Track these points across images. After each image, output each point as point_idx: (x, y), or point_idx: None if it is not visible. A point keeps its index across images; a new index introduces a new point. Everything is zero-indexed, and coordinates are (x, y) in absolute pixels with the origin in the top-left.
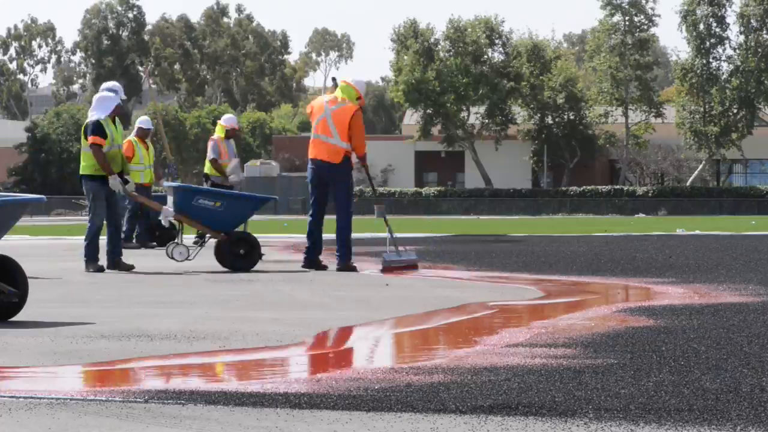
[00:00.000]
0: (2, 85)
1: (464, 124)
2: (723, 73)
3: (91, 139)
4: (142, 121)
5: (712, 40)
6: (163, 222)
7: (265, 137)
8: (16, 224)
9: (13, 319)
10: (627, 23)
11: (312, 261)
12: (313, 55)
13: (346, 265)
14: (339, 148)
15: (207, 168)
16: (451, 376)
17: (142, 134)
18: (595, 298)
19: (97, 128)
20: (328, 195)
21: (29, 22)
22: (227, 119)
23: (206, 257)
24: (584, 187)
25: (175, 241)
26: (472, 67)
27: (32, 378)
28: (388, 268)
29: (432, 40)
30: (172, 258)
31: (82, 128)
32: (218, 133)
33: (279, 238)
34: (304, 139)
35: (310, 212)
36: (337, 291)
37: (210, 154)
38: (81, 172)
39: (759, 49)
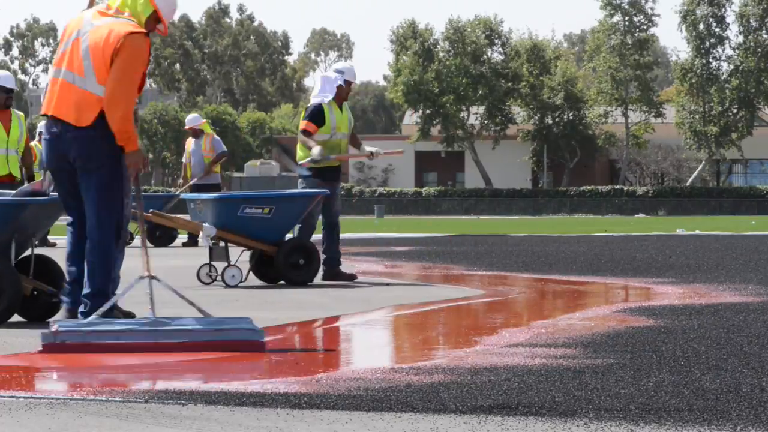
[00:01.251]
0: None
1: (464, 124)
2: (723, 73)
3: (303, 124)
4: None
5: (712, 40)
6: (202, 242)
7: (265, 137)
8: None
9: (14, 319)
10: (627, 23)
11: None
12: (312, 55)
13: None
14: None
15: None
16: (451, 376)
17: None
18: (594, 299)
19: (315, 113)
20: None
21: (31, 21)
22: (187, 120)
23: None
24: (584, 187)
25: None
26: (472, 68)
27: (32, 378)
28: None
29: (431, 40)
30: (224, 282)
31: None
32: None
33: None
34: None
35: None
36: (337, 291)
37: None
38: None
39: (759, 49)
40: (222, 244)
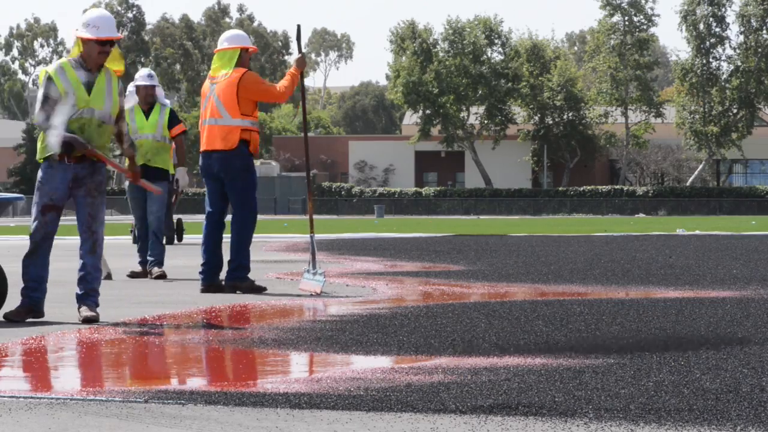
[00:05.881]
0: (3, 85)
1: (464, 124)
2: (723, 73)
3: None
4: None
5: (712, 40)
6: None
7: (265, 137)
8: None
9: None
10: (626, 23)
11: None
12: (313, 55)
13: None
14: (232, 127)
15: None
16: (451, 376)
17: None
18: (593, 298)
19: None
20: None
21: (32, 21)
22: None
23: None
24: (584, 187)
25: None
26: (471, 68)
27: (32, 378)
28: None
29: (431, 40)
30: None
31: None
32: None
33: (279, 238)
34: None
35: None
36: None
37: None
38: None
39: (759, 49)
40: None
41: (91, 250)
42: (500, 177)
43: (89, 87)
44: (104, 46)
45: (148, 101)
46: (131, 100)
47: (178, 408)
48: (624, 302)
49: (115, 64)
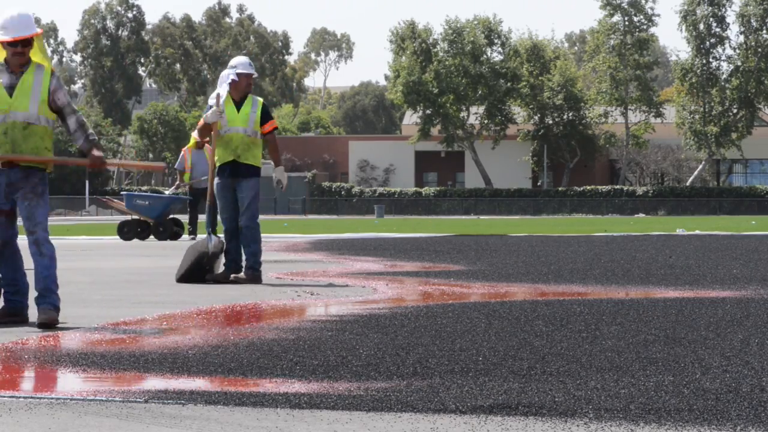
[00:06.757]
0: None
1: (464, 124)
2: (723, 73)
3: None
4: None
5: (712, 40)
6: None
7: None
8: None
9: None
10: (626, 23)
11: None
12: (312, 55)
13: None
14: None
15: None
16: (451, 376)
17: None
18: (593, 297)
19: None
20: None
21: None
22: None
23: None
24: (584, 187)
25: None
26: (471, 68)
27: (32, 378)
28: None
29: (430, 40)
30: None
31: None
32: (190, 144)
33: (279, 238)
34: (305, 139)
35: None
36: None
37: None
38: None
39: (759, 49)
40: None
41: (37, 251)
42: (500, 177)
43: (11, 90)
44: (15, 47)
45: (247, 91)
46: (224, 89)
47: (178, 408)
48: (624, 302)
49: (39, 60)
